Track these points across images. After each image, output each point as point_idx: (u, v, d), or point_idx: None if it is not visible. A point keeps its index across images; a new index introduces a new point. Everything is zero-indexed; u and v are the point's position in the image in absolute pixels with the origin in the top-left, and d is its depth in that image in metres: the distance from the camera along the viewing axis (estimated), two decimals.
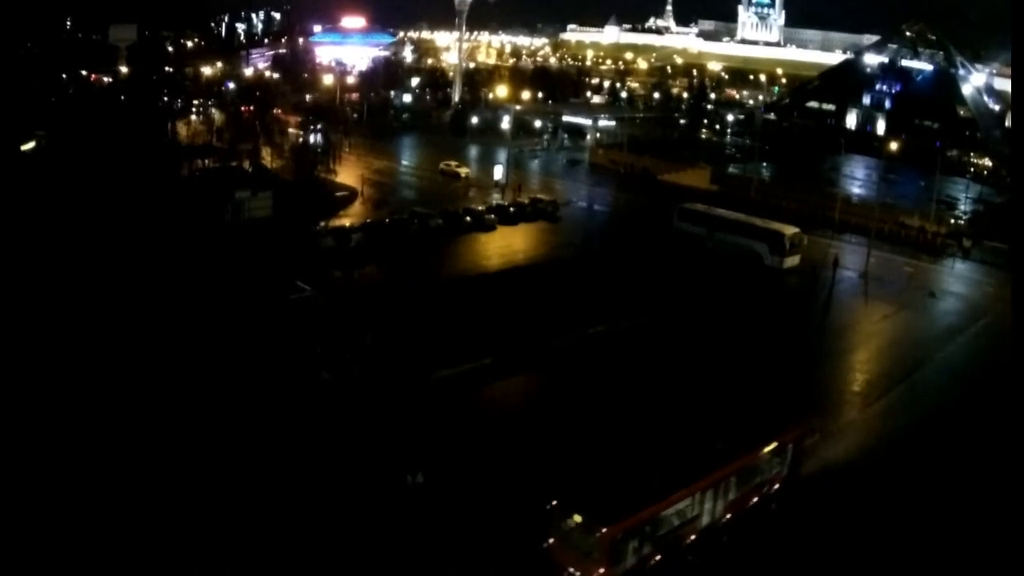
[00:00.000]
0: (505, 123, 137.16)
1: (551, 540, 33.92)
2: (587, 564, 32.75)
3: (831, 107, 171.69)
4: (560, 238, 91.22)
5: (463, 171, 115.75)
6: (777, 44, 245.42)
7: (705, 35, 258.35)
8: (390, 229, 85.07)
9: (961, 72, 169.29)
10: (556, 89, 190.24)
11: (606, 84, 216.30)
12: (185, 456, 39.22)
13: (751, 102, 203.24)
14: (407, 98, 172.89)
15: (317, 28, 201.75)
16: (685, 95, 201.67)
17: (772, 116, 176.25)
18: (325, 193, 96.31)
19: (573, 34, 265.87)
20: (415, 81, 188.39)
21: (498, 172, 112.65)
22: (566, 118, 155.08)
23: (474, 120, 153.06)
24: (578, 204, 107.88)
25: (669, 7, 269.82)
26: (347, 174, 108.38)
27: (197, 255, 66.80)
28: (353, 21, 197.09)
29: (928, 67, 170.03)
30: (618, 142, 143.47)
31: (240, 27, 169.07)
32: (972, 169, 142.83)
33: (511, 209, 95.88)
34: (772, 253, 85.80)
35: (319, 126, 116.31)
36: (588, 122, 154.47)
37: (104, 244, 67.09)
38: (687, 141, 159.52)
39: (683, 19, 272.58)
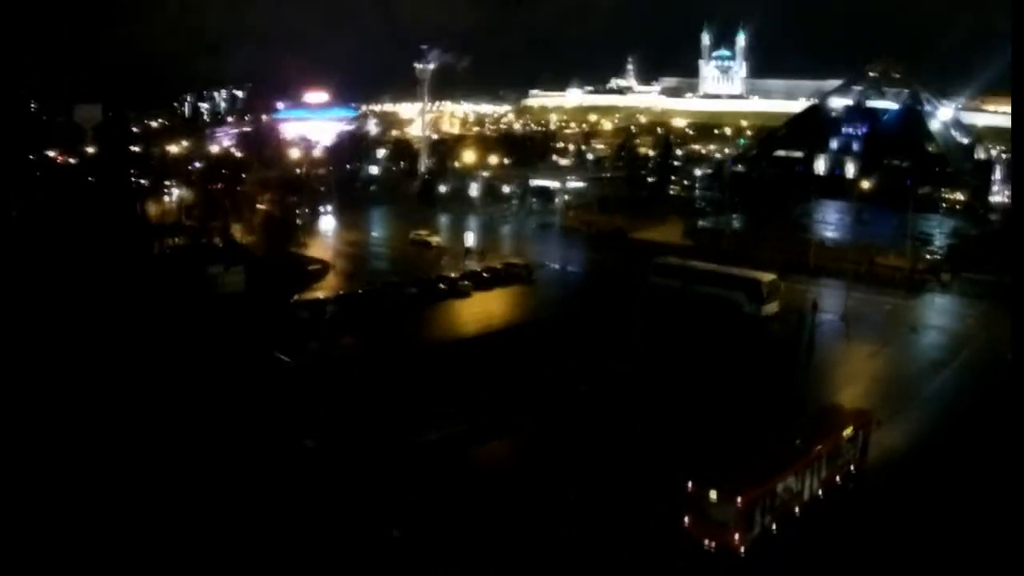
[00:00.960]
0: (473, 190, 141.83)
1: (687, 517, 42.46)
2: (723, 533, 41.41)
3: (799, 154, 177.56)
4: (536, 301, 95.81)
5: (434, 240, 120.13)
6: (741, 96, 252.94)
7: (668, 92, 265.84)
8: (364, 300, 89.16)
9: (927, 108, 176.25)
10: (522, 154, 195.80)
11: (571, 147, 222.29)
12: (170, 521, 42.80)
13: (718, 155, 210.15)
14: (374, 170, 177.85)
15: (280, 105, 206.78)
16: (651, 153, 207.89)
17: (740, 167, 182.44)
18: (297, 267, 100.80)
19: (536, 99, 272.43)
20: (381, 153, 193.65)
21: (469, 239, 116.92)
22: (534, 182, 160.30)
23: (442, 189, 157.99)
24: (552, 266, 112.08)
25: (630, 66, 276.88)
26: (318, 247, 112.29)
27: (171, 331, 70.12)
28: (316, 96, 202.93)
29: (894, 106, 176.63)
30: (587, 202, 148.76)
31: (204, 106, 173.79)
32: (944, 204, 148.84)
33: (485, 275, 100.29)
34: (750, 301, 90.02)
35: (288, 201, 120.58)
36: (556, 184, 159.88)
37: (77, 324, 70.50)
38: (657, 198, 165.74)
39: (645, 77, 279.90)
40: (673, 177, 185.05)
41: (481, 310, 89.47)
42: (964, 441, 55.17)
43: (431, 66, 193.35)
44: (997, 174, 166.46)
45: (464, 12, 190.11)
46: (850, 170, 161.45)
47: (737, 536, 41.30)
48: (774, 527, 43.28)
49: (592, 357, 72.24)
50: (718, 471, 43.29)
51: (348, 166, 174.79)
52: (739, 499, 41.03)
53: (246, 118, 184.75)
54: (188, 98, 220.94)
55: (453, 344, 77.12)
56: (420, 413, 57.58)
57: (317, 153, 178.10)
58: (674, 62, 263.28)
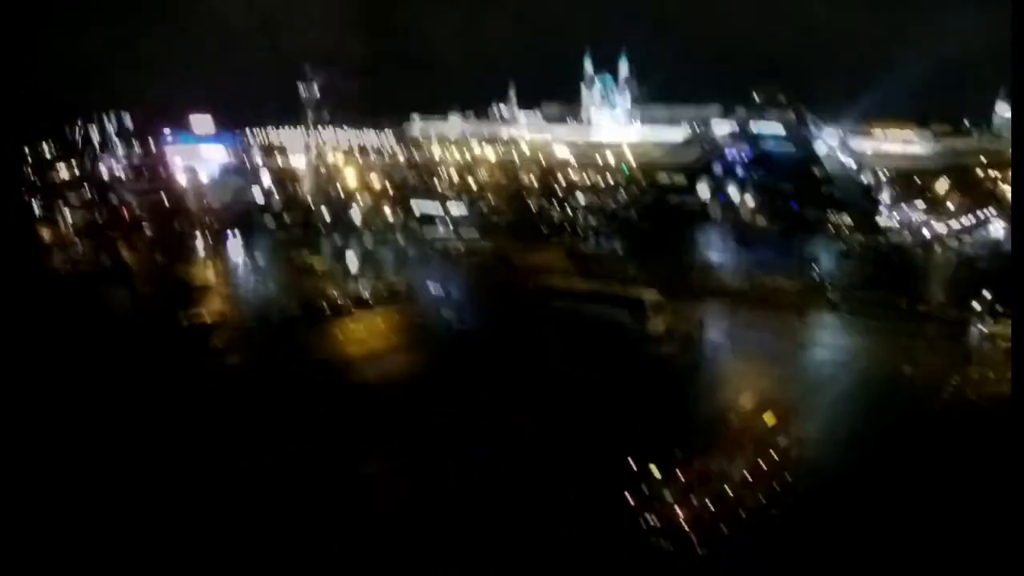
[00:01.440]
0: (356, 216, 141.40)
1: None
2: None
3: (682, 179, 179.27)
4: (416, 324, 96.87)
5: (318, 264, 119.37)
6: (623, 122, 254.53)
7: (548, 117, 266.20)
8: (248, 321, 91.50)
9: (814, 132, 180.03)
10: (405, 181, 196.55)
11: (455, 174, 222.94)
12: None
13: (600, 182, 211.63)
14: (259, 196, 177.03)
15: (167, 131, 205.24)
16: (535, 181, 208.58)
17: (623, 194, 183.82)
18: (185, 290, 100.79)
19: (417, 125, 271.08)
20: (265, 180, 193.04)
21: (352, 262, 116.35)
22: (417, 208, 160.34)
23: (325, 213, 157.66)
24: (434, 291, 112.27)
25: (511, 92, 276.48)
26: (203, 270, 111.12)
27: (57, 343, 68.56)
28: (201, 122, 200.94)
29: (780, 130, 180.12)
30: (471, 228, 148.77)
31: (94, 133, 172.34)
32: (832, 227, 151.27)
33: (367, 298, 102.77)
34: (635, 320, 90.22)
35: (174, 225, 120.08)
36: (439, 210, 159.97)
37: None
38: (540, 223, 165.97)
39: (526, 102, 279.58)
40: (556, 204, 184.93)
41: (363, 329, 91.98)
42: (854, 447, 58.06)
43: (315, 89, 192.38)
44: (885, 197, 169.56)
45: (349, 39, 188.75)
46: (734, 194, 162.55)
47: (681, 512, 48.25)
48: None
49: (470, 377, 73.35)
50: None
51: (233, 193, 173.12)
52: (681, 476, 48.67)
53: (133, 144, 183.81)
54: (78, 123, 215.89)
55: (334, 362, 79.53)
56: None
57: (202, 179, 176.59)
58: (556, 88, 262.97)
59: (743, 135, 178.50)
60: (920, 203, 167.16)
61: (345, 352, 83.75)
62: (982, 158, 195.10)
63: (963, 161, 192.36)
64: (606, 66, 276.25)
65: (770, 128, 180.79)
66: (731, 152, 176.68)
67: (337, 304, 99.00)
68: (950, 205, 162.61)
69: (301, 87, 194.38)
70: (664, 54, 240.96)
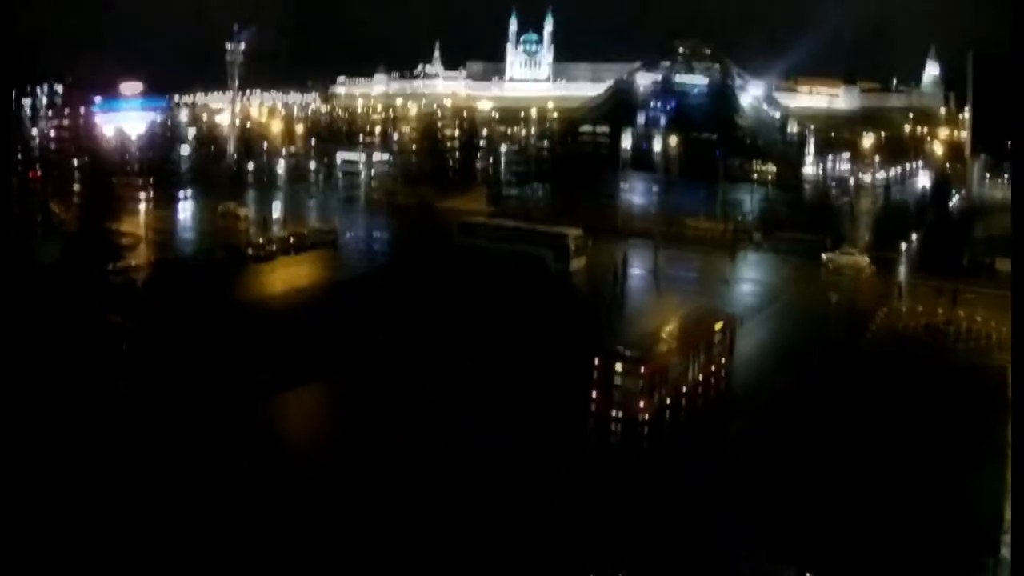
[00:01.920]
0: (281, 168, 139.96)
1: (594, 392, 51.09)
2: (630, 402, 50.54)
3: (605, 129, 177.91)
4: (340, 263, 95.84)
5: (242, 212, 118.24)
6: (547, 80, 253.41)
7: (474, 76, 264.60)
8: (175, 265, 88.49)
9: (738, 84, 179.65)
10: (330, 135, 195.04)
11: (378, 129, 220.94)
12: None
13: (522, 134, 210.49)
14: (185, 154, 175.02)
15: (97, 99, 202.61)
16: (457, 134, 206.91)
17: (545, 144, 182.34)
18: (112, 239, 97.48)
19: (343, 87, 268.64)
20: (192, 138, 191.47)
21: (276, 210, 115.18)
22: (340, 157, 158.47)
23: (251, 168, 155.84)
24: (357, 234, 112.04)
25: (437, 53, 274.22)
26: (132, 223, 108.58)
27: None
28: (131, 87, 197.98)
29: (704, 82, 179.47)
30: (392, 177, 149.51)
31: (25, 100, 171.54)
32: (756, 176, 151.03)
33: (291, 240, 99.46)
34: (557, 258, 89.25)
35: (103, 182, 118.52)
36: (361, 159, 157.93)
37: None
38: (462, 172, 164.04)
39: (452, 63, 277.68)
40: (479, 155, 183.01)
41: (286, 271, 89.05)
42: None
43: (241, 49, 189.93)
44: (810, 148, 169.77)
45: (275, 2, 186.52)
46: (658, 144, 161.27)
47: (642, 403, 50.27)
48: (668, 401, 52.65)
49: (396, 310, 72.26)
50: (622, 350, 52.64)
51: (160, 152, 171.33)
52: (643, 369, 50.35)
53: (65, 111, 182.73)
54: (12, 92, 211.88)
55: (260, 302, 77.18)
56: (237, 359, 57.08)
57: (132, 140, 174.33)
58: (481, 48, 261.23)
59: (667, 87, 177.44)
60: (845, 155, 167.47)
61: (262, 291, 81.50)
62: (910, 115, 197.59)
63: (890, 117, 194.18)
64: (531, 26, 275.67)
65: (694, 80, 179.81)
66: (655, 103, 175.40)
67: (259, 246, 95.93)
68: (876, 157, 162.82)
69: (228, 50, 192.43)
70: (590, 13, 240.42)
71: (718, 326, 60.39)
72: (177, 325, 64.29)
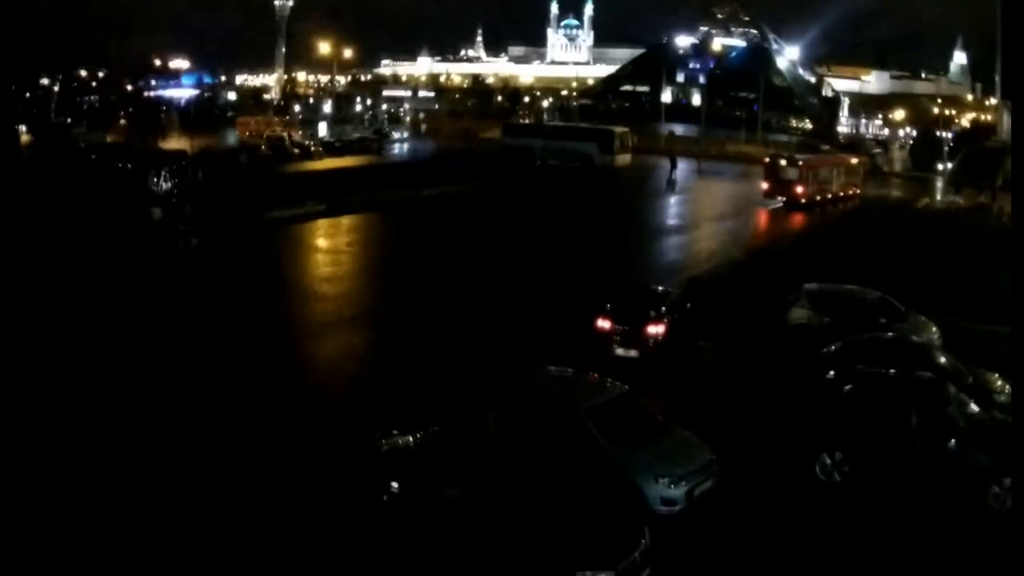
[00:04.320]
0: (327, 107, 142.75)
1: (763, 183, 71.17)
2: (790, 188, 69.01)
3: (645, 88, 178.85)
4: (382, 158, 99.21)
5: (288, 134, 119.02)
6: (587, 63, 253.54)
7: (516, 60, 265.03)
8: (223, 155, 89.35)
9: (775, 47, 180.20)
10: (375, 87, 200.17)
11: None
12: None
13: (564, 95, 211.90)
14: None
15: (152, 78, 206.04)
16: (500, 98, 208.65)
17: (587, 101, 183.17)
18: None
19: (387, 68, 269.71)
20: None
21: (322, 129, 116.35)
22: (387, 93, 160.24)
23: (296, 109, 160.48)
24: (400, 145, 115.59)
25: (479, 37, 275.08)
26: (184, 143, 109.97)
27: None
28: (178, 65, 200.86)
29: (742, 44, 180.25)
30: (438, 114, 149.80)
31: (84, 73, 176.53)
32: (792, 130, 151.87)
33: (335, 144, 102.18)
34: (602, 152, 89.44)
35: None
36: (407, 93, 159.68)
37: None
38: (506, 116, 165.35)
39: (494, 48, 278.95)
40: (520, 106, 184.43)
41: (328, 162, 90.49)
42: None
43: (284, 36, 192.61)
44: (844, 109, 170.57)
45: None
46: (697, 100, 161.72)
47: (800, 188, 68.88)
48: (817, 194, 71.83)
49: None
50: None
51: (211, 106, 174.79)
52: (801, 163, 71.55)
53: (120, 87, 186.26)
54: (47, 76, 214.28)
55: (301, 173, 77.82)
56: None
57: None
58: (523, 32, 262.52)
59: (705, 48, 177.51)
60: (877, 120, 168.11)
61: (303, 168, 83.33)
62: (938, 100, 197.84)
63: (918, 101, 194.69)
64: (572, 11, 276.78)
65: (731, 41, 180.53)
66: (693, 63, 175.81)
67: (305, 146, 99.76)
68: (904, 125, 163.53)
69: (277, 33, 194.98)
70: None
71: (853, 161, 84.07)
72: (214, 189, 64.24)
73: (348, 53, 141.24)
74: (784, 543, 16.93)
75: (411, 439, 18.26)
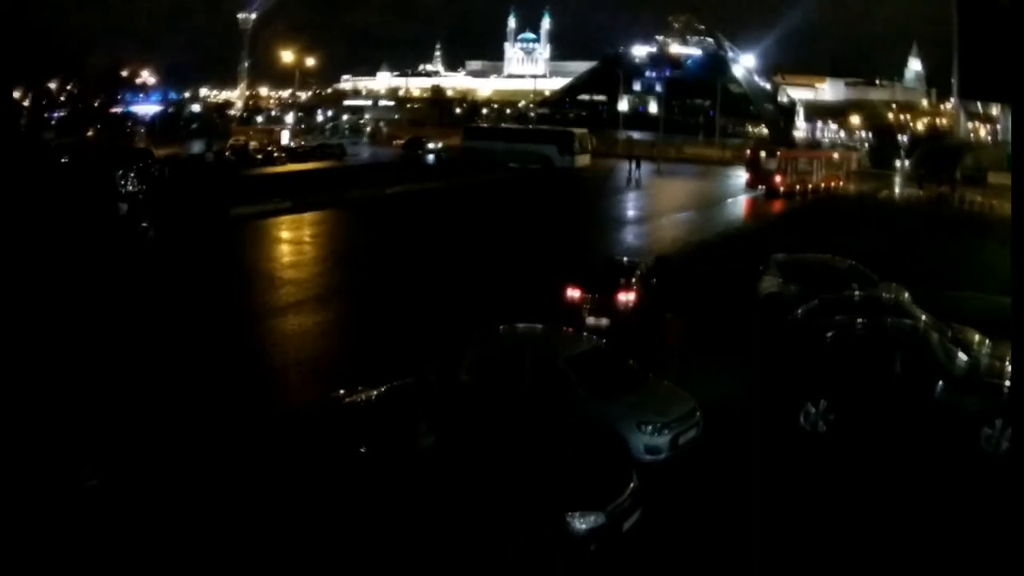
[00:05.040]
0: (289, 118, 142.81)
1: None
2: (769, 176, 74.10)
3: (602, 97, 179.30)
4: (344, 162, 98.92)
5: (252, 142, 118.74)
6: (543, 76, 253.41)
7: (473, 74, 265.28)
8: (185, 162, 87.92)
9: (731, 55, 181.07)
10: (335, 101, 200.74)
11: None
12: None
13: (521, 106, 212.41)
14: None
15: (117, 92, 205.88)
16: (458, 111, 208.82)
17: (545, 110, 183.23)
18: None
19: (348, 83, 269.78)
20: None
21: (284, 137, 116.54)
22: (348, 102, 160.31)
23: (259, 120, 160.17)
24: (361, 151, 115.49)
25: (438, 52, 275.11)
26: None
27: None
28: (145, 80, 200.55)
29: (697, 52, 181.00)
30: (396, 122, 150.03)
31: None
32: (748, 136, 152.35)
33: (299, 150, 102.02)
34: (561, 153, 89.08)
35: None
36: (368, 103, 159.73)
37: None
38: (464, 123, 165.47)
39: (452, 63, 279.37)
40: (478, 116, 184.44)
41: (291, 166, 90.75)
42: None
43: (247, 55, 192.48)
44: (800, 116, 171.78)
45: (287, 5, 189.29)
46: (654, 108, 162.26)
47: (778, 178, 73.05)
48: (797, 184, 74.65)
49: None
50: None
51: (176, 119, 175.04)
52: (778, 153, 77.25)
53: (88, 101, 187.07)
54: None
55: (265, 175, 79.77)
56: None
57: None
58: (481, 47, 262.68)
59: (661, 56, 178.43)
60: (833, 126, 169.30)
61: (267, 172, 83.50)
62: (893, 105, 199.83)
63: (873, 107, 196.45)
64: (529, 25, 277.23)
65: (687, 50, 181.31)
66: (650, 72, 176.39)
67: (268, 152, 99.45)
68: (863, 130, 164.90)
69: (240, 49, 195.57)
70: (586, 13, 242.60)
71: (835, 155, 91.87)
72: (180, 188, 63.75)
73: (310, 64, 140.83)
74: (772, 492, 16.15)
75: (377, 392, 17.30)
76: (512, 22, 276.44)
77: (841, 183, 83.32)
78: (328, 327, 29.39)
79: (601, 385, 17.89)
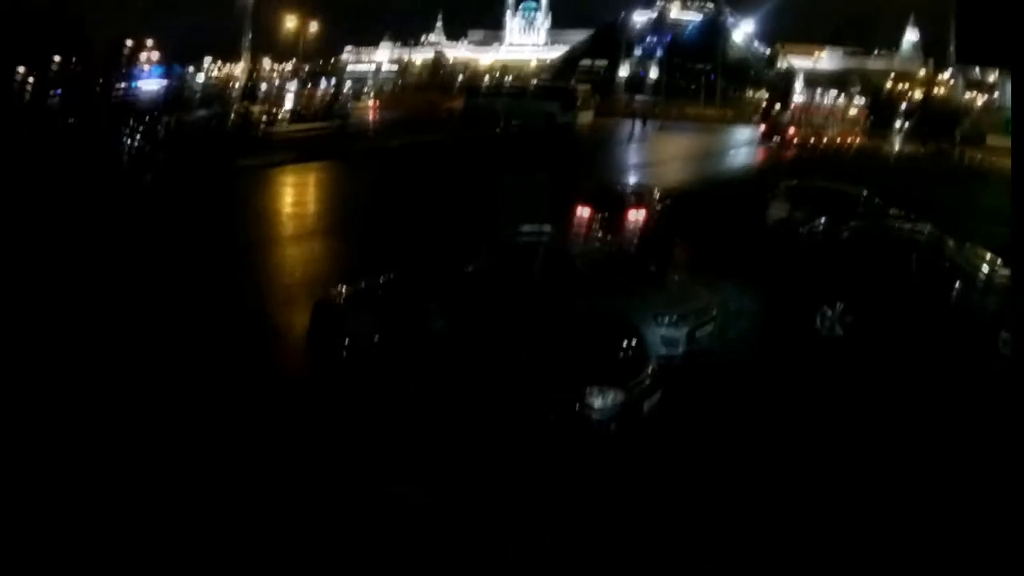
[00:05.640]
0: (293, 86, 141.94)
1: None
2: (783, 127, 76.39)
3: (603, 62, 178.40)
4: (348, 122, 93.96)
5: (256, 108, 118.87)
6: (544, 45, 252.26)
7: (475, 44, 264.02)
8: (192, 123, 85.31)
9: (731, 21, 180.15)
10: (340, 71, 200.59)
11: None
12: None
13: (522, 74, 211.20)
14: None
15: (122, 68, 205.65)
16: (460, 78, 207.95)
17: (546, 77, 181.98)
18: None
19: (351, 55, 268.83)
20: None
21: (289, 102, 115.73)
22: (351, 67, 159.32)
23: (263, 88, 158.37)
24: (365, 114, 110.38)
25: (439, 23, 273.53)
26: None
27: None
28: (149, 57, 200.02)
29: (697, 17, 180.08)
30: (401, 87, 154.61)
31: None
32: (748, 99, 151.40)
33: (301, 112, 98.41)
34: (564, 110, 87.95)
35: None
36: (371, 67, 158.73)
37: None
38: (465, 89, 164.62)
39: (454, 33, 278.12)
40: (482, 83, 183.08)
41: (296, 126, 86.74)
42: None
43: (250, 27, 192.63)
44: (800, 82, 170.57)
45: None
46: (655, 72, 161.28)
47: (791, 130, 75.82)
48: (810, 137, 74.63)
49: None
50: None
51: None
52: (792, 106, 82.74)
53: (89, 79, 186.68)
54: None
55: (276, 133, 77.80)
56: None
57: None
58: (483, 17, 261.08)
59: (661, 22, 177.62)
60: (832, 92, 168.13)
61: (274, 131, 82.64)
62: (891, 75, 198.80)
63: (871, 76, 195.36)
64: None
65: (687, 16, 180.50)
66: (650, 37, 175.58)
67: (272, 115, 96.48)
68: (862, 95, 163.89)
69: (244, 24, 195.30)
70: None
71: (852, 112, 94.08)
72: (186, 144, 63.48)
73: (312, 32, 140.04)
74: (790, 390, 15.97)
75: (385, 278, 16.86)
76: None
77: (857, 139, 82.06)
78: (333, 252, 29.44)
79: (615, 279, 17.45)
